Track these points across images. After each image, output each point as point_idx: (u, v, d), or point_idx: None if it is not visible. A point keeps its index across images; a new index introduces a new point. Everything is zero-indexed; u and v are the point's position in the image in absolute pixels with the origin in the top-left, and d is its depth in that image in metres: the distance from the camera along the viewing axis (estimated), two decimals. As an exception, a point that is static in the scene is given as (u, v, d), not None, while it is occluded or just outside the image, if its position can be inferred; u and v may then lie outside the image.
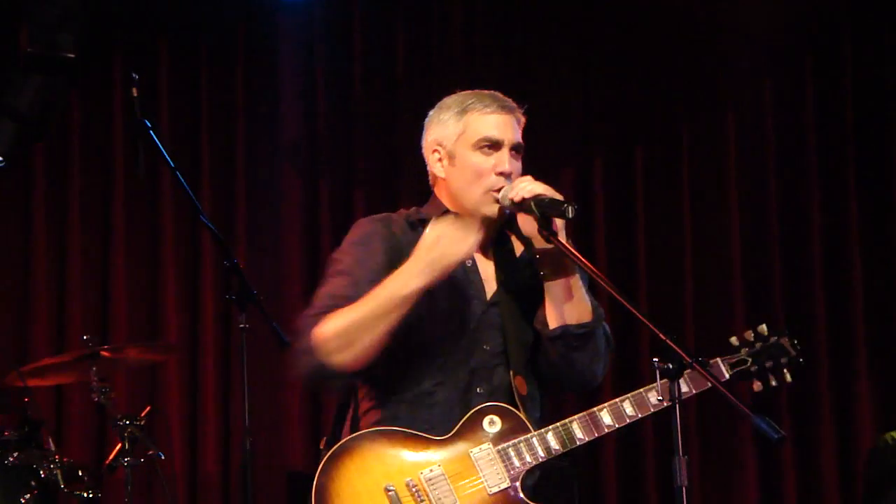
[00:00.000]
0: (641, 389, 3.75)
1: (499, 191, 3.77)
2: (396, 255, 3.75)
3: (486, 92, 3.92)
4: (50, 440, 5.99)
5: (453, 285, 3.78)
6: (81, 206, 7.10)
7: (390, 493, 3.59)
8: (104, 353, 6.04)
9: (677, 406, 3.40)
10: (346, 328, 3.62)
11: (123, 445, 5.98)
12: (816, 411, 7.31)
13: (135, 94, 4.66)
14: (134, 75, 4.66)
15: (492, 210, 3.79)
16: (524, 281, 3.86)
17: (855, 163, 7.47)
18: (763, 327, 3.86)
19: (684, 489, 3.39)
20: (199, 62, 7.30)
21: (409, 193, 7.29)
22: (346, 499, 3.57)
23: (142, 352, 6.43)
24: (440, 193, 3.95)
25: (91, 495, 5.87)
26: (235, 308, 4.85)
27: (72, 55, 6.84)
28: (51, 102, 7.02)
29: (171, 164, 4.77)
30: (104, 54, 7.16)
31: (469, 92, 3.94)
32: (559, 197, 3.66)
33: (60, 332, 6.99)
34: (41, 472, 5.76)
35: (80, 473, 5.92)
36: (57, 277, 7.05)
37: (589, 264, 3.65)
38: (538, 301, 3.81)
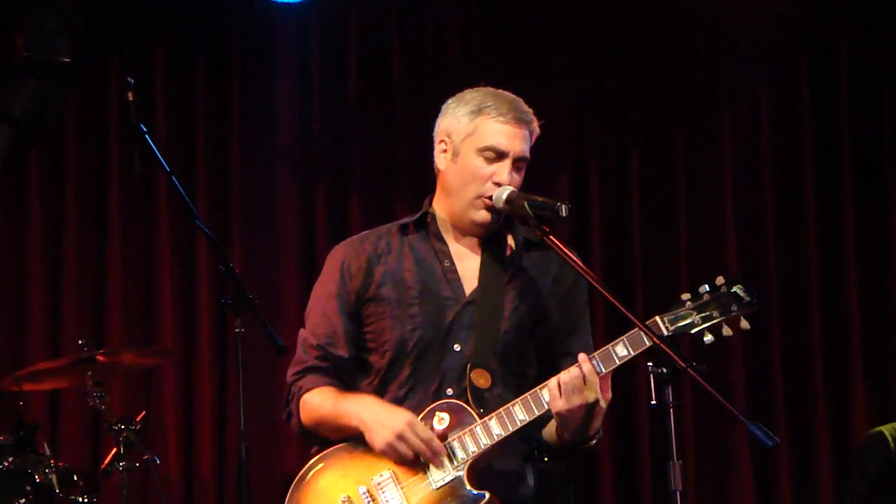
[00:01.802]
0: (608, 346, 3.70)
1: (490, 198, 3.80)
2: (366, 272, 3.91)
3: (507, 97, 3.92)
4: (45, 445, 5.99)
5: (426, 292, 3.86)
6: (77, 211, 7.09)
7: (346, 501, 3.72)
8: (100, 358, 6.04)
9: (671, 411, 3.41)
10: (316, 426, 3.87)
11: (119, 450, 5.97)
12: (811, 414, 7.32)
13: (130, 99, 4.65)
14: (130, 80, 4.64)
15: (478, 215, 3.83)
16: (508, 277, 3.88)
17: (851, 166, 7.48)
18: (719, 278, 3.73)
19: (679, 493, 3.40)
20: (194, 66, 7.30)
21: (404, 196, 7.31)
22: None
23: (137, 356, 6.43)
24: (438, 185, 3.99)
25: (86, 500, 5.87)
26: (231, 312, 4.84)
27: (67, 60, 6.83)
28: (46, 107, 7.00)
29: (167, 168, 4.76)
30: (100, 59, 7.15)
31: (492, 92, 3.94)
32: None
33: (56, 336, 6.98)
34: (36, 477, 5.76)
35: (76, 478, 5.92)
36: (52, 282, 7.04)
37: (583, 266, 3.67)
38: (522, 295, 3.86)
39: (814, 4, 7.54)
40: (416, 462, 3.72)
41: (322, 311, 3.93)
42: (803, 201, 7.47)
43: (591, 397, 3.63)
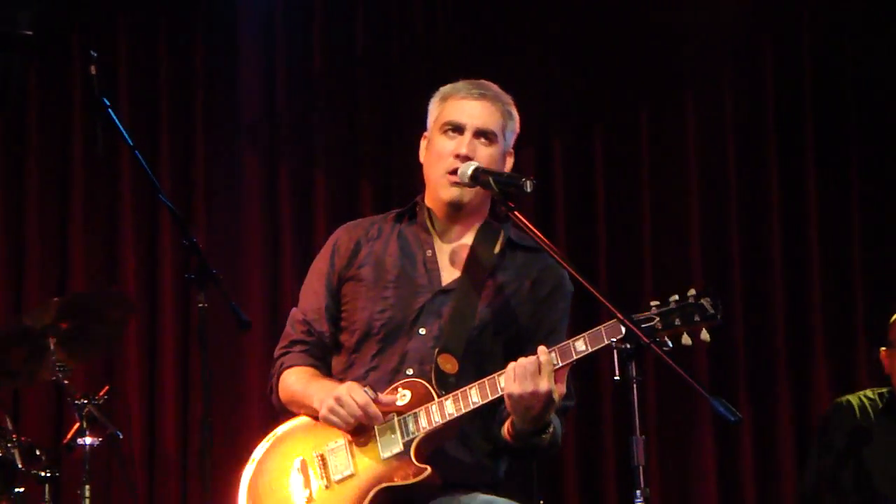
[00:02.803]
0: (569, 341, 3.74)
1: (454, 172, 3.83)
2: (352, 252, 4.05)
3: (470, 81, 4.04)
4: (7, 419, 5.95)
5: (402, 277, 3.95)
6: (39, 185, 7.04)
7: (297, 466, 3.84)
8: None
9: (634, 386, 3.44)
10: (289, 404, 4.01)
11: (81, 424, 5.94)
12: (774, 390, 7.36)
13: (93, 72, 4.62)
14: (92, 53, 4.61)
15: (445, 192, 3.88)
16: (489, 273, 3.94)
17: (814, 144, 7.51)
18: (691, 290, 3.75)
19: (641, 468, 3.42)
20: (157, 40, 7.25)
21: (369, 173, 7.30)
22: (267, 478, 3.89)
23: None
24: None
25: (49, 474, 5.84)
26: (194, 287, 4.82)
27: (30, 32, 6.79)
28: (8, 80, 6.97)
29: (130, 142, 4.73)
30: (62, 31, 7.10)
31: (459, 82, 4.06)
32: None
33: (17, 310, 6.95)
34: (-2, 452, 5.73)
35: (38, 453, 5.88)
36: (14, 255, 7.00)
37: (548, 242, 3.69)
38: (498, 294, 3.92)
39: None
40: (369, 432, 3.79)
41: (312, 289, 4.08)
42: (767, 180, 7.49)
43: (543, 386, 3.67)
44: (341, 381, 3.93)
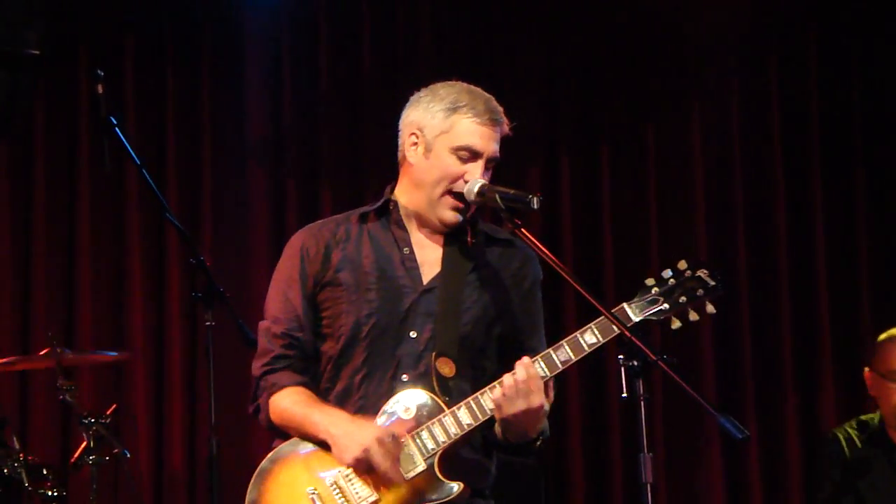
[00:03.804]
0: (550, 349, 3.72)
1: (458, 196, 3.82)
2: (324, 257, 3.91)
3: (482, 96, 3.93)
4: (14, 438, 5.95)
5: (384, 278, 3.86)
6: (46, 204, 7.06)
7: (312, 496, 3.71)
8: (69, 357, 6.02)
9: (642, 403, 3.42)
10: (284, 427, 3.86)
11: (89, 443, 5.95)
12: (781, 407, 7.35)
13: (100, 91, 4.64)
14: (99, 72, 4.63)
15: (445, 214, 3.86)
16: (470, 268, 3.90)
17: (820, 159, 7.52)
18: (682, 262, 3.74)
19: (649, 486, 3.42)
20: (164, 59, 7.27)
21: (376, 189, 7.28)
22: None
23: (105, 357, 6.41)
24: (404, 175, 3.99)
25: (55, 494, 5.85)
26: (202, 306, 4.84)
27: (37, 52, 6.81)
28: (15, 99, 6.98)
29: (137, 161, 4.75)
30: (69, 51, 7.12)
31: (465, 88, 3.94)
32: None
33: (25, 329, 6.95)
34: (5, 471, 5.73)
35: (45, 472, 5.89)
36: (21, 275, 7.01)
37: (554, 258, 3.68)
38: (483, 289, 3.88)
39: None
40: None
41: (284, 296, 3.93)
42: (773, 195, 7.49)
43: (535, 402, 3.65)
44: (329, 393, 3.86)
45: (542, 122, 7.45)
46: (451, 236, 3.92)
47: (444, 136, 3.87)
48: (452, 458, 3.73)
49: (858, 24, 7.57)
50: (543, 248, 3.70)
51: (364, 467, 3.67)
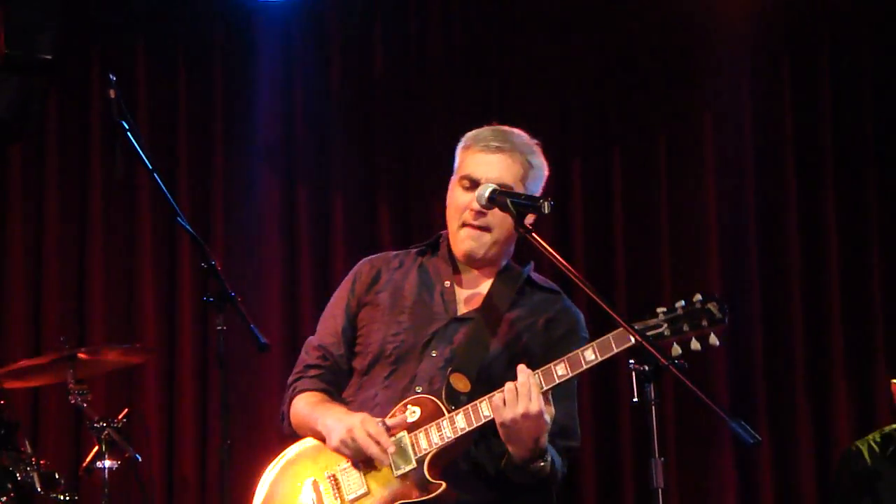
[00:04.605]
0: (550, 364, 3.72)
1: (470, 225, 3.90)
2: (372, 279, 4.06)
3: (493, 129, 4.01)
4: (26, 443, 5.97)
5: (419, 304, 3.96)
6: (59, 208, 7.08)
7: (311, 486, 3.85)
8: (81, 356, 6.02)
9: (653, 408, 3.42)
10: (298, 429, 4.00)
11: (101, 448, 5.96)
12: (793, 412, 7.33)
13: (112, 96, 4.64)
14: (111, 76, 4.63)
15: (463, 245, 3.94)
16: (507, 307, 3.94)
17: (832, 165, 7.50)
18: (696, 296, 3.75)
19: (660, 491, 3.41)
20: (176, 64, 7.30)
21: (387, 196, 7.31)
22: (281, 496, 3.91)
23: (119, 354, 6.42)
24: None
25: (68, 498, 5.86)
26: (213, 310, 4.83)
27: (49, 56, 6.83)
28: (28, 104, 7.00)
29: (149, 165, 4.74)
30: (82, 56, 7.15)
31: (484, 129, 4.03)
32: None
33: (38, 334, 6.97)
34: (17, 475, 5.74)
35: (57, 476, 5.90)
36: (34, 279, 7.03)
37: (565, 263, 3.68)
38: (514, 327, 3.93)
39: (794, 8, 7.55)
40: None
41: (331, 314, 4.09)
42: (785, 200, 7.48)
43: (533, 408, 3.66)
44: (350, 403, 3.94)
45: (554, 128, 7.44)
46: (497, 283, 3.99)
47: (456, 173, 3.99)
48: (448, 465, 3.78)
49: (870, 29, 7.55)
50: (554, 253, 3.70)
51: (351, 449, 3.76)
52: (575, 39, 7.53)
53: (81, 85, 7.16)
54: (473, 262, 3.98)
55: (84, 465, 6.03)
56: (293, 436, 4.02)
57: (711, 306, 3.72)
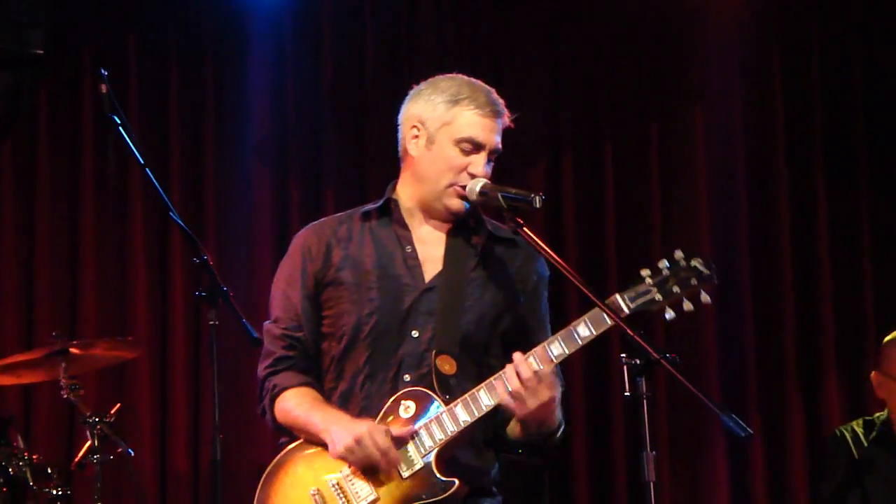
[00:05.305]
0: (544, 343, 3.71)
1: (463, 187, 3.81)
2: (325, 255, 3.92)
3: (482, 88, 3.93)
4: (19, 437, 5.97)
5: (385, 277, 3.86)
6: (50, 203, 7.07)
7: (315, 496, 3.74)
8: (73, 350, 6.02)
9: (645, 402, 3.43)
10: (289, 427, 3.88)
11: (93, 443, 5.96)
12: (785, 405, 7.35)
13: (104, 91, 4.63)
14: (103, 71, 4.62)
15: (452, 203, 3.85)
16: (472, 266, 3.89)
17: (823, 157, 7.51)
18: (678, 252, 3.75)
19: (652, 484, 3.42)
20: (168, 59, 7.29)
21: (378, 189, 7.29)
22: None
23: (111, 348, 6.41)
24: (406, 168, 3.99)
25: (60, 493, 5.86)
26: (205, 305, 4.83)
27: (40, 52, 6.82)
28: (19, 99, 6.99)
29: (141, 160, 4.74)
30: (73, 51, 7.14)
31: (465, 80, 3.95)
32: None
33: (29, 329, 6.97)
34: (10, 470, 5.74)
35: (50, 471, 5.90)
36: (25, 274, 7.02)
37: (557, 258, 3.69)
38: (486, 286, 3.87)
39: (785, 0, 7.56)
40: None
41: (285, 296, 3.96)
42: (776, 194, 7.49)
43: (544, 396, 3.65)
44: (332, 393, 3.87)
45: (546, 121, 7.46)
46: (453, 233, 3.92)
47: (447, 128, 3.87)
48: (451, 457, 3.74)
49: (861, 23, 7.57)
50: (546, 247, 3.71)
51: (356, 458, 3.68)
52: (566, 34, 7.54)
53: (72, 80, 7.15)
54: (451, 218, 3.90)
55: (77, 459, 6.02)
56: (279, 430, 3.93)
57: (696, 262, 3.73)
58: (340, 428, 3.71)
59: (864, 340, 7.37)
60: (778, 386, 7.37)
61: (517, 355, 3.68)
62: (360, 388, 3.83)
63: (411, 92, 4.02)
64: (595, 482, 7.27)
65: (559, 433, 3.82)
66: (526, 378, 3.63)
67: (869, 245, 7.47)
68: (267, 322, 4.00)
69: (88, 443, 5.97)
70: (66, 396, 5.98)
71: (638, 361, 3.46)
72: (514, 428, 3.81)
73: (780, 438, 7.33)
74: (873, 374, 5.82)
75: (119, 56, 7.15)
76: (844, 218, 7.49)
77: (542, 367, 3.66)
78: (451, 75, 3.99)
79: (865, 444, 5.79)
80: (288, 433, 3.91)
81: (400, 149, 4.02)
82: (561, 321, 3.80)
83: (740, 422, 3.33)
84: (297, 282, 3.94)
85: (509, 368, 3.67)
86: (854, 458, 5.77)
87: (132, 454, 6.07)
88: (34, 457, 5.88)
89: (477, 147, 3.85)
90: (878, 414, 5.87)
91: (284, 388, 3.89)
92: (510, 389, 3.65)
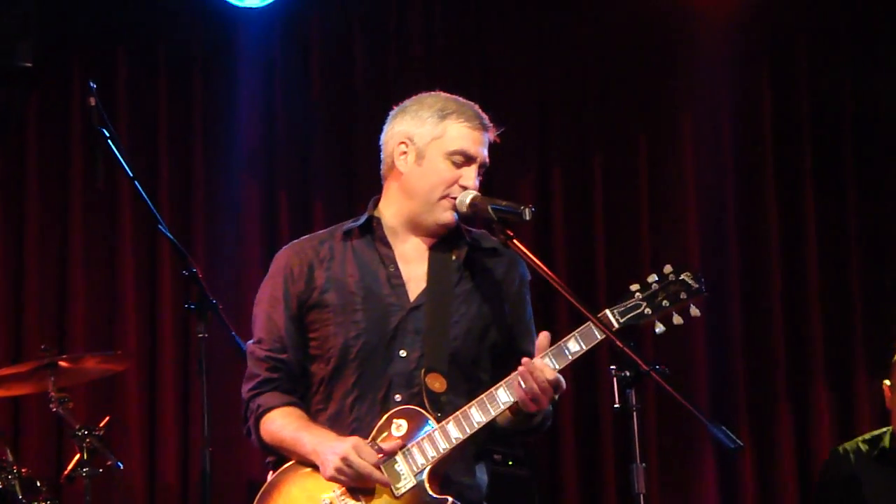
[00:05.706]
0: (535, 359, 3.71)
1: (454, 198, 3.82)
2: (307, 276, 3.91)
3: (466, 102, 3.96)
4: (7, 451, 5.95)
5: (370, 298, 3.85)
6: (39, 215, 7.06)
7: None
8: (62, 363, 6.01)
9: (635, 414, 3.43)
10: (276, 447, 3.86)
11: (82, 456, 5.94)
12: (774, 418, 7.35)
13: (92, 103, 4.64)
14: (91, 84, 4.63)
15: (443, 216, 3.85)
16: (455, 281, 3.89)
17: (811, 168, 7.51)
18: (667, 267, 3.75)
19: (642, 496, 3.42)
20: (156, 71, 7.28)
21: (367, 201, 7.29)
22: None
23: (100, 361, 6.40)
24: (391, 185, 3.99)
25: (49, 506, 5.84)
26: (195, 317, 4.84)
27: (29, 64, 6.82)
28: (8, 112, 6.99)
29: (130, 173, 4.75)
30: (61, 63, 7.13)
31: (449, 97, 3.97)
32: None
33: (17, 342, 6.95)
34: (-1, 484, 5.72)
35: (39, 484, 5.88)
36: (14, 287, 7.01)
37: (548, 270, 3.69)
38: (471, 300, 3.88)
39: (773, 9, 7.57)
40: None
41: (268, 317, 3.95)
42: (765, 205, 7.49)
43: (544, 403, 3.70)
44: (320, 413, 3.86)
45: (534, 133, 7.46)
46: (435, 249, 3.92)
47: (437, 142, 3.88)
48: (444, 474, 3.73)
49: (849, 32, 7.58)
50: (535, 259, 3.71)
51: (347, 477, 3.67)
52: (554, 42, 7.55)
53: (61, 93, 7.14)
54: (442, 232, 3.90)
55: (66, 472, 6.00)
56: (265, 450, 3.92)
57: (686, 276, 3.73)
58: (327, 449, 3.70)
59: (853, 352, 7.37)
60: (767, 397, 7.37)
61: (534, 361, 3.68)
62: (349, 409, 3.82)
63: (393, 111, 4.04)
64: (585, 494, 7.26)
65: (549, 420, 3.86)
66: (539, 380, 3.66)
67: (858, 255, 7.47)
68: (250, 343, 3.99)
69: (77, 456, 5.96)
70: (54, 410, 5.96)
71: (627, 373, 3.46)
72: (505, 415, 3.80)
73: (769, 450, 7.33)
74: (885, 384, 5.76)
75: (108, 68, 7.15)
76: (834, 228, 7.50)
77: (557, 366, 3.68)
78: (433, 93, 4.01)
79: (868, 462, 5.76)
80: (275, 453, 3.89)
81: (383, 167, 4.02)
82: (551, 332, 3.80)
83: (730, 433, 3.33)
84: (280, 304, 3.92)
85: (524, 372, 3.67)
86: (856, 475, 5.75)
87: (121, 467, 6.05)
88: (23, 470, 5.86)
89: (468, 159, 3.86)
90: (884, 429, 5.84)
91: (269, 409, 3.88)
92: (529, 392, 3.66)
